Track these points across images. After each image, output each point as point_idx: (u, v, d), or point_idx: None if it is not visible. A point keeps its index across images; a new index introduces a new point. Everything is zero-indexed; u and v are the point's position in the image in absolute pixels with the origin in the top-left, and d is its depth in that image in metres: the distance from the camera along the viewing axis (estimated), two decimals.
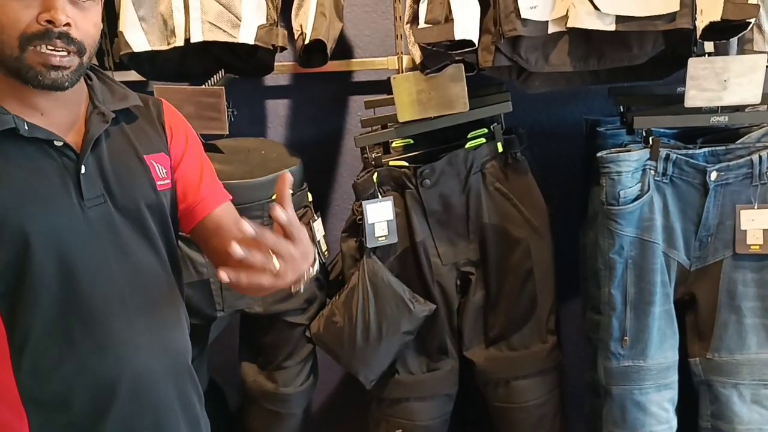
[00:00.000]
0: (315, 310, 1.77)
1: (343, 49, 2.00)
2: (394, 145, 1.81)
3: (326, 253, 1.77)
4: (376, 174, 1.69)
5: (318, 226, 1.75)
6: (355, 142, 1.68)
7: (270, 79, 2.05)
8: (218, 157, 1.71)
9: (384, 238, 1.70)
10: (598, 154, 1.61)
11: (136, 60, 1.71)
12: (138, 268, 1.14)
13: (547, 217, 1.75)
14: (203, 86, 1.70)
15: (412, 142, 1.81)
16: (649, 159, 1.61)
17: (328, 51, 1.57)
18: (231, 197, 1.30)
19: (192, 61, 1.84)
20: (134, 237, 1.14)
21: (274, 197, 1.61)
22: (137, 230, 1.14)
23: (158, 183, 1.17)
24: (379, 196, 1.70)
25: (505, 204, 1.73)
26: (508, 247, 1.75)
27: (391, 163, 1.69)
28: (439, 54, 1.52)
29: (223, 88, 1.64)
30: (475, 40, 1.46)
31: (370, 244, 1.69)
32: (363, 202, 1.68)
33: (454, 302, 1.78)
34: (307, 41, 1.54)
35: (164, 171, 1.18)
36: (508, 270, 1.75)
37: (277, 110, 2.08)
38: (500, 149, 1.72)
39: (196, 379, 1.25)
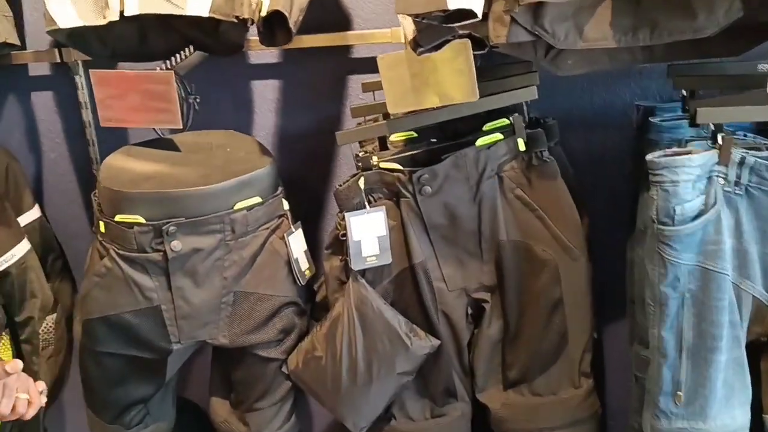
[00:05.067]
0: (293, 341, 1.46)
1: (341, 19, 1.66)
2: (392, 139, 1.47)
3: (307, 272, 1.45)
4: (362, 179, 1.35)
5: (296, 239, 1.42)
6: (338, 139, 1.34)
7: (255, 57, 1.73)
8: (173, 157, 1.40)
9: (374, 258, 1.37)
10: (648, 157, 1.23)
11: (77, 37, 1.41)
12: None
13: (581, 232, 1.38)
14: (154, 70, 1.39)
15: (415, 135, 1.46)
16: (717, 163, 1.22)
17: (291, 24, 1.22)
18: None
19: (154, 38, 1.53)
20: None
21: (236, 207, 1.34)
22: None
23: None
24: (367, 207, 1.36)
25: (527, 216, 1.37)
26: (532, 270, 1.39)
27: (381, 165, 1.35)
28: (437, 28, 1.16)
29: (172, 72, 1.32)
30: (478, 10, 1.09)
31: (356, 266, 1.36)
32: (346, 215, 1.35)
33: (464, 335, 1.44)
34: (263, 13, 1.20)
35: None
36: (531, 298, 1.40)
37: (265, 93, 1.75)
38: (522, 147, 1.35)
39: None
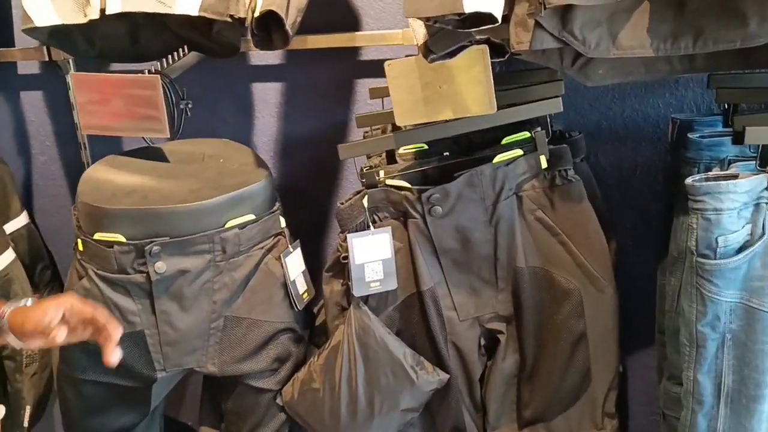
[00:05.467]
0: (289, 371, 1.34)
1: (349, 18, 1.53)
2: (400, 151, 1.34)
3: (305, 295, 1.33)
4: (366, 197, 1.22)
5: (293, 260, 1.30)
6: (340, 153, 1.21)
7: (257, 57, 1.61)
8: (160, 169, 1.28)
9: (378, 283, 1.24)
10: (687, 182, 1.09)
11: (60, 35, 1.29)
12: None
13: (609, 259, 1.25)
14: (143, 72, 1.26)
15: (426, 147, 1.34)
16: (766, 189, 1.08)
17: (288, 26, 1.10)
18: None
19: (147, 38, 1.41)
20: None
21: (227, 225, 1.22)
22: None
23: None
24: (371, 227, 1.23)
25: (549, 240, 1.24)
26: (553, 300, 1.26)
27: (387, 182, 1.22)
28: (451, 32, 1.02)
29: (158, 76, 1.20)
30: (498, 13, 0.96)
31: (358, 292, 1.23)
32: (348, 236, 1.22)
33: (476, 369, 1.31)
34: (257, 14, 1.08)
35: None
36: (551, 330, 1.27)
37: (267, 96, 1.63)
38: (544, 164, 1.22)
39: None
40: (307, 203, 1.66)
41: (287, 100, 1.63)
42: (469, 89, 1.10)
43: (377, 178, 1.21)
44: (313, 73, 1.58)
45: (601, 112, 1.49)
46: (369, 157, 1.36)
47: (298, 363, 1.34)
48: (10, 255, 1.54)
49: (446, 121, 1.16)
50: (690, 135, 1.26)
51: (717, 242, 1.08)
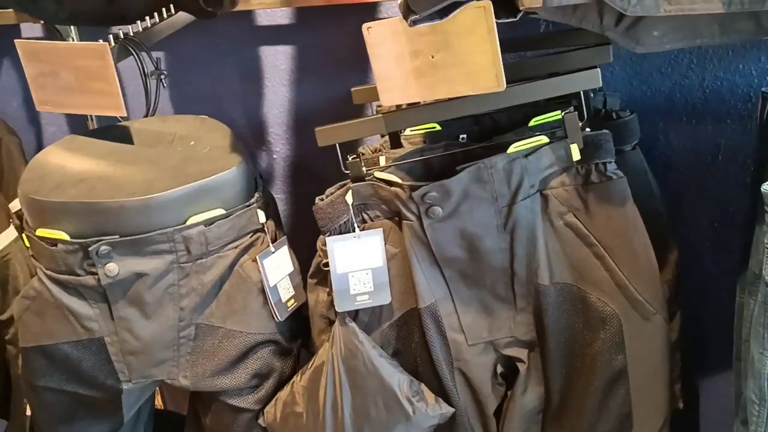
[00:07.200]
0: (271, 388, 1.15)
1: None
2: (407, 133, 1.10)
3: (290, 303, 1.13)
4: (350, 192, 0.99)
5: (274, 262, 1.10)
6: (318, 138, 0.99)
7: (264, 17, 1.39)
8: (120, 152, 1.10)
9: (366, 296, 1.02)
10: (764, 188, 0.80)
11: None
12: None
13: (659, 280, 0.97)
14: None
15: (438, 128, 1.09)
16: None
17: None
18: None
19: None
20: None
21: (190, 221, 1.03)
22: None
23: None
24: (357, 230, 1.00)
25: (582, 252, 0.97)
26: (587, 326, 1.00)
27: (376, 174, 0.98)
28: None
29: (106, 44, 1.00)
30: None
31: (341, 307, 1.02)
32: (327, 239, 1.00)
33: (490, 402, 1.07)
34: None
35: None
36: (583, 363, 1.01)
37: (277, 62, 1.42)
38: (576, 156, 0.94)
39: None
40: (323, 183, 1.45)
41: (299, 65, 1.41)
42: (469, 60, 0.84)
43: (364, 170, 0.97)
44: (327, 34, 1.35)
45: (675, 81, 1.18)
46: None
47: (283, 379, 1.15)
48: (11, 233, 1.42)
49: (444, 100, 0.90)
50: None
51: None
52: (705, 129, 1.19)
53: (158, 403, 1.67)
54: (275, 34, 1.39)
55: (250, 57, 1.42)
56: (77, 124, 1.61)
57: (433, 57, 0.86)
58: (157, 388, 1.50)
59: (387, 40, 0.88)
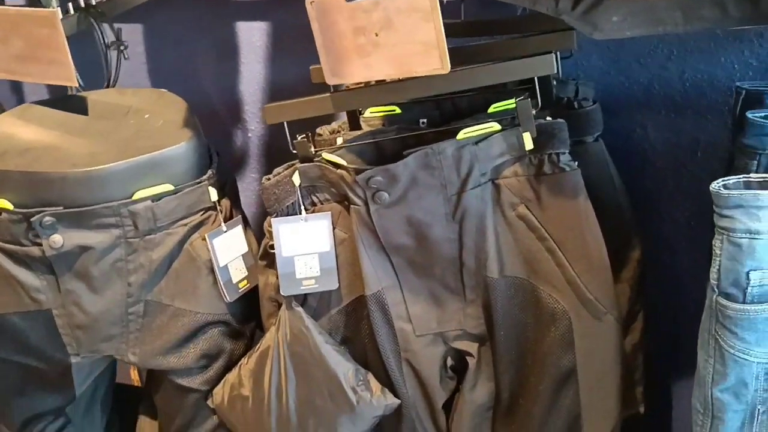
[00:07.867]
0: (220, 369, 1.13)
1: None
2: (366, 115, 1.06)
3: (243, 284, 1.10)
4: (297, 173, 0.96)
5: (225, 241, 1.07)
6: (265, 116, 0.96)
7: None
8: (71, 123, 1.08)
9: (313, 281, 0.99)
10: (712, 187, 0.75)
11: None
12: None
13: (611, 279, 0.92)
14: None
15: (398, 111, 1.05)
16: None
17: None
18: None
19: None
20: None
21: (136, 195, 1.01)
22: None
23: None
24: (304, 212, 0.97)
25: (533, 245, 0.93)
26: (537, 322, 0.96)
27: (324, 156, 0.95)
28: None
29: (55, 11, 0.98)
30: None
31: (286, 291, 0.99)
32: (273, 221, 0.97)
33: (438, 395, 1.04)
34: None
35: None
36: (534, 361, 0.98)
37: (252, 38, 1.39)
38: (529, 145, 0.90)
39: None
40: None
41: (275, 42, 1.38)
42: (411, 40, 0.80)
43: (311, 150, 0.94)
44: (302, 12, 1.31)
45: (654, 72, 1.13)
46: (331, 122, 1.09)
47: (233, 361, 1.13)
48: None
49: (388, 82, 0.86)
50: (750, 114, 0.89)
51: (748, 279, 0.74)
52: (684, 123, 1.14)
53: (134, 377, 1.67)
54: (251, 11, 1.36)
55: (225, 33, 1.39)
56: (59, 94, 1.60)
57: (377, 35, 0.82)
58: None
59: (330, 15, 0.84)
